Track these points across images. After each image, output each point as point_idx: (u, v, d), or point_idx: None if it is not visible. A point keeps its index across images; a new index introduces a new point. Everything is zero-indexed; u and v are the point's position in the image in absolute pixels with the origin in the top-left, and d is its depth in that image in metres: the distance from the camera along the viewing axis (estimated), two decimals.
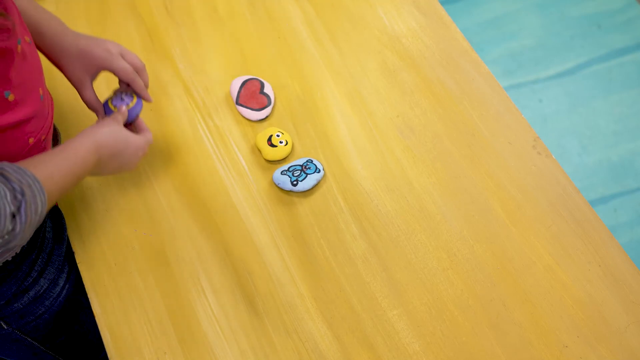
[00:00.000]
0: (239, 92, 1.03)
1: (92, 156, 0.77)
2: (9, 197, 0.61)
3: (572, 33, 2.22)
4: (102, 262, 0.90)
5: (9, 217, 0.61)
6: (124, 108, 0.86)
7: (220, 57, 1.09)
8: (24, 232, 0.64)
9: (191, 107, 1.03)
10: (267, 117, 1.03)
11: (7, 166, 0.64)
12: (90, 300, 0.88)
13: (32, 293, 0.86)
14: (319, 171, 0.96)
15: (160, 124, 1.02)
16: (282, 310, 0.87)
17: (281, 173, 0.95)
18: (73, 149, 0.75)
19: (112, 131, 0.81)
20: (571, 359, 0.85)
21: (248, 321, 0.86)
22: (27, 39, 0.72)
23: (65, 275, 0.91)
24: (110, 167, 0.81)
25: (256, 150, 1.00)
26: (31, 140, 0.74)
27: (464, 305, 0.88)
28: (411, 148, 1.01)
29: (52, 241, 0.88)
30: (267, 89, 1.04)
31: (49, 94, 0.82)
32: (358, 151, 1.00)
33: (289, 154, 0.99)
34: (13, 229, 0.62)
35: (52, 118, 0.80)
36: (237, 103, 1.02)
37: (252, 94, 1.03)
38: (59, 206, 0.93)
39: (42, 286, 0.87)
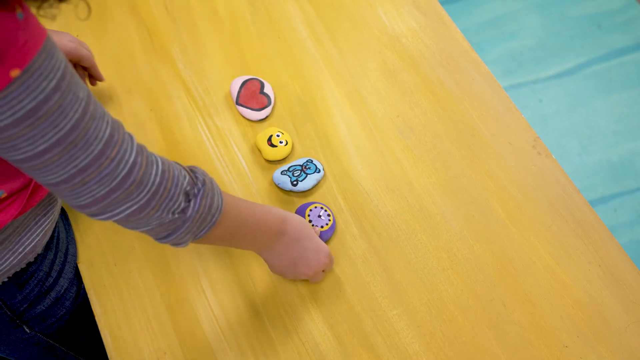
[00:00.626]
0: (239, 92, 1.03)
1: (278, 222, 0.78)
2: (187, 179, 0.64)
3: (572, 33, 2.22)
4: (102, 262, 0.90)
5: (183, 193, 0.63)
6: (317, 229, 0.89)
7: (220, 57, 1.09)
8: (194, 221, 0.64)
9: (191, 107, 1.03)
10: (267, 117, 1.03)
11: (197, 167, 0.68)
12: (90, 300, 0.88)
13: (53, 294, 0.86)
14: (319, 171, 0.96)
15: (160, 124, 1.02)
16: (282, 310, 0.87)
17: (281, 173, 0.95)
18: (262, 205, 0.79)
19: (304, 221, 0.82)
20: (571, 359, 0.85)
21: (248, 321, 0.86)
22: None
23: (80, 275, 0.91)
24: (289, 252, 0.80)
25: (256, 150, 1.00)
26: None
27: (464, 305, 0.88)
28: (411, 148, 1.01)
29: (66, 240, 0.88)
30: (267, 89, 1.04)
31: None
32: (358, 151, 1.00)
33: (289, 154, 0.99)
34: (184, 211, 0.63)
35: None
36: (237, 103, 1.02)
37: (252, 94, 1.03)
38: (63, 206, 0.93)
39: (62, 286, 0.87)
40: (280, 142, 0.97)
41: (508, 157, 1.00)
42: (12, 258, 0.77)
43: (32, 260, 0.80)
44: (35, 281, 0.82)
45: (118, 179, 0.58)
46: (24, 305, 0.83)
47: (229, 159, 0.99)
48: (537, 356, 0.85)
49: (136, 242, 0.92)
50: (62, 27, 1.10)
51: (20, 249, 0.77)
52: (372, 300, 0.88)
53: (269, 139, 0.98)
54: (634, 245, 1.82)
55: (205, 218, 0.66)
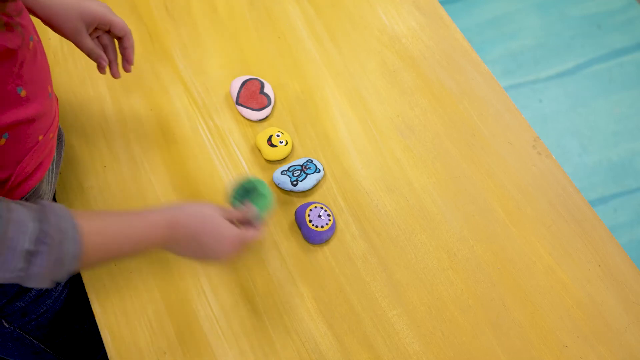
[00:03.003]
0: (239, 92, 1.03)
1: (162, 230, 0.72)
2: (30, 236, 0.60)
3: (572, 33, 2.23)
4: None
5: (22, 254, 0.60)
6: (252, 208, 0.81)
7: (220, 57, 1.09)
8: (42, 275, 0.62)
9: (191, 107, 1.03)
10: (267, 117, 1.03)
11: (55, 207, 0.63)
12: (90, 300, 0.88)
13: (34, 292, 0.86)
14: (319, 171, 0.96)
15: (160, 124, 1.02)
16: (282, 310, 0.87)
17: (281, 173, 0.95)
18: (143, 216, 0.73)
19: (198, 212, 0.76)
20: (571, 359, 0.85)
21: (248, 321, 0.86)
22: (36, 37, 0.73)
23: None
24: (188, 249, 0.75)
25: (256, 150, 1.00)
26: (40, 137, 0.74)
27: (464, 305, 0.88)
28: (411, 148, 1.01)
29: None
30: (267, 89, 1.04)
31: (54, 93, 0.82)
32: (358, 151, 1.00)
33: (289, 154, 0.99)
34: (27, 268, 0.60)
35: (58, 116, 0.80)
36: (237, 103, 1.02)
37: (252, 94, 1.03)
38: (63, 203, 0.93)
39: None
40: (280, 142, 0.97)
41: (508, 157, 1.00)
42: None
43: None
44: None
45: None
46: (3, 301, 0.83)
47: (229, 159, 0.99)
48: (537, 356, 0.85)
49: None
50: None
51: None
52: (372, 300, 0.88)
53: (269, 139, 0.98)
54: (634, 245, 1.82)
55: (55, 269, 0.63)
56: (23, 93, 0.68)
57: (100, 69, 0.87)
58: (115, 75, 0.89)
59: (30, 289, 0.85)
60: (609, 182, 1.95)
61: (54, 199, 0.90)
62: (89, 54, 0.86)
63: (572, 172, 1.93)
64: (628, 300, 0.89)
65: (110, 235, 0.69)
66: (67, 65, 1.06)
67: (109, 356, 0.84)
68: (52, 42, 1.09)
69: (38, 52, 0.71)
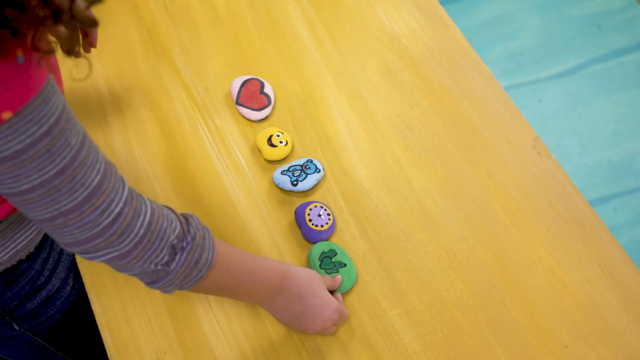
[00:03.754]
0: (239, 92, 1.03)
1: (278, 277, 0.75)
2: (177, 232, 0.63)
3: (572, 33, 2.23)
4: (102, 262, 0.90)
5: (168, 247, 0.62)
6: (339, 277, 0.85)
7: (220, 57, 1.09)
8: (177, 274, 0.64)
9: (191, 107, 1.03)
10: (267, 117, 1.03)
11: (195, 217, 0.66)
12: (90, 300, 0.88)
13: (44, 293, 0.86)
14: (319, 171, 0.96)
15: (160, 124, 1.02)
16: None
17: (281, 173, 0.95)
18: (264, 259, 0.76)
19: (309, 275, 0.79)
20: (571, 359, 0.85)
21: (248, 321, 0.86)
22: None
23: (74, 275, 0.91)
24: (292, 308, 0.78)
25: (256, 150, 1.00)
26: None
27: (464, 305, 0.88)
28: (411, 148, 1.01)
29: None
30: (267, 89, 1.04)
31: None
32: (358, 151, 1.00)
33: (289, 154, 0.99)
34: (168, 264, 0.63)
35: None
36: (237, 103, 1.02)
37: (252, 94, 1.03)
38: None
39: (54, 285, 0.87)
40: (280, 142, 0.97)
41: (508, 157, 1.00)
42: (2, 254, 0.77)
43: (23, 258, 0.80)
44: (27, 279, 0.82)
45: (100, 227, 0.58)
46: (14, 302, 0.83)
47: (229, 159, 0.99)
48: (537, 356, 0.85)
49: None
50: None
51: (12, 245, 0.77)
52: (372, 300, 0.88)
53: (269, 139, 0.98)
54: (634, 245, 1.82)
55: (190, 273, 0.65)
56: None
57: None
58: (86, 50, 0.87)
59: (40, 290, 0.85)
60: (609, 182, 1.95)
61: None
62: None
63: (572, 172, 1.93)
64: (628, 300, 0.89)
65: (236, 261, 0.71)
66: (67, 65, 1.06)
67: (109, 356, 0.84)
68: None
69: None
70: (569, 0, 2.29)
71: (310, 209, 0.91)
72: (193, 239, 0.64)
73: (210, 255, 0.66)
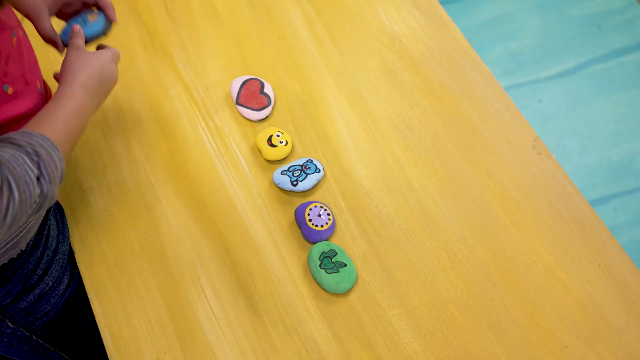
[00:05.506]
0: (239, 92, 1.03)
1: (82, 92, 0.76)
2: (27, 162, 0.63)
3: (572, 33, 2.23)
4: (102, 262, 0.90)
5: (35, 182, 0.63)
6: (77, 28, 0.84)
7: (220, 57, 1.09)
8: (51, 191, 0.66)
9: (191, 107, 1.03)
10: (267, 117, 1.03)
11: (12, 134, 0.65)
12: (90, 300, 0.88)
13: (37, 291, 0.86)
14: (319, 171, 0.96)
15: (160, 124, 1.02)
16: (282, 310, 0.87)
17: (281, 173, 0.95)
18: (62, 96, 0.75)
19: (84, 62, 0.79)
20: (571, 359, 0.85)
21: (248, 321, 0.86)
22: (21, 32, 0.72)
23: (69, 274, 0.91)
24: (102, 90, 0.80)
25: (256, 150, 1.00)
26: None
27: (464, 305, 0.88)
28: (411, 148, 1.01)
29: (57, 239, 0.88)
30: (267, 89, 1.04)
31: (48, 87, 0.81)
32: (358, 151, 1.00)
33: (289, 154, 0.99)
34: (41, 192, 0.64)
35: None
36: (237, 103, 1.02)
37: (252, 94, 1.03)
38: (61, 204, 0.93)
39: (47, 284, 0.87)
40: (280, 142, 0.97)
41: (508, 157, 1.00)
42: None
43: (14, 256, 0.80)
44: (19, 278, 0.82)
45: None
46: (7, 300, 0.83)
47: (229, 159, 0.99)
48: (537, 356, 0.85)
49: (136, 242, 0.92)
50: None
51: (2, 244, 0.77)
52: (372, 300, 0.88)
53: (269, 139, 0.98)
54: (634, 245, 1.82)
55: (55, 177, 0.67)
56: (10, 90, 0.68)
57: (59, 49, 0.87)
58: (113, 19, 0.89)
59: (33, 289, 0.85)
60: (609, 182, 1.95)
61: None
62: (44, 39, 0.85)
63: (572, 172, 1.93)
64: (628, 300, 0.89)
65: (61, 127, 0.71)
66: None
67: (109, 356, 0.84)
68: None
69: (24, 47, 0.71)
70: (569, 0, 2.30)
71: (310, 209, 0.91)
72: (38, 155, 0.64)
73: (57, 152, 0.67)
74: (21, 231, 0.79)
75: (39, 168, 0.64)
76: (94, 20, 0.87)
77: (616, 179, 1.95)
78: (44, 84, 0.80)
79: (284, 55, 1.10)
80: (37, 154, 0.64)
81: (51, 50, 1.08)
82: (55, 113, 0.72)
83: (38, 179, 0.64)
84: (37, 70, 0.77)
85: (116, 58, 0.84)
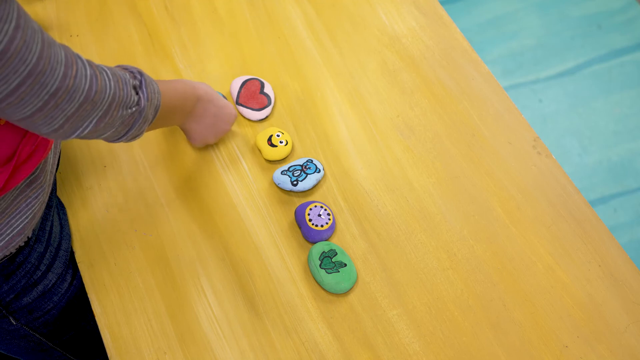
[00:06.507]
0: (239, 92, 1.03)
1: (192, 90, 0.86)
2: (129, 75, 0.71)
3: (572, 33, 2.23)
4: (102, 262, 0.90)
5: (132, 89, 0.70)
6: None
7: (220, 57, 1.09)
8: (147, 109, 0.72)
9: None
10: (267, 117, 1.03)
11: (125, 65, 0.74)
12: (90, 300, 0.88)
13: (40, 287, 0.86)
14: (319, 171, 0.96)
15: None
16: (282, 310, 0.87)
17: (281, 173, 0.95)
18: (175, 80, 0.85)
19: (207, 84, 0.91)
20: (571, 359, 0.85)
21: (248, 321, 0.86)
22: None
23: (72, 271, 0.91)
24: (209, 112, 0.89)
25: (256, 150, 1.00)
26: None
27: (464, 305, 0.88)
28: (411, 148, 1.01)
29: (60, 235, 0.88)
30: (267, 89, 1.04)
31: None
32: (358, 151, 1.00)
33: (289, 154, 0.99)
34: (138, 102, 0.71)
35: None
36: (237, 103, 1.02)
37: (252, 94, 1.03)
38: (62, 202, 0.93)
39: (51, 280, 0.87)
40: (280, 142, 0.97)
41: (508, 157, 1.00)
42: None
43: (22, 244, 0.80)
44: (22, 273, 0.82)
45: (85, 93, 0.63)
46: (10, 296, 0.83)
47: (229, 159, 0.99)
48: (537, 356, 0.85)
49: (136, 241, 0.92)
50: (62, 27, 1.10)
51: (8, 231, 0.77)
52: (372, 300, 0.88)
53: (269, 139, 0.98)
54: (634, 245, 1.82)
55: (153, 103, 0.74)
56: None
57: None
58: None
59: (36, 285, 0.85)
60: (609, 182, 1.95)
61: (54, 195, 0.90)
62: None
63: (572, 172, 1.93)
64: (628, 300, 0.89)
65: (165, 87, 0.80)
66: None
67: (109, 356, 0.84)
68: None
69: None
70: (569, 0, 2.30)
71: (310, 209, 0.91)
72: (141, 75, 0.73)
73: (156, 85, 0.76)
74: (27, 216, 0.78)
75: (140, 83, 0.72)
76: None
77: (616, 179, 1.95)
78: None
79: (284, 55, 1.10)
80: (141, 73, 0.73)
81: None
82: (166, 81, 0.82)
83: (136, 91, 0.71)
84: None
85: (233, 120, 0.95)
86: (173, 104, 0.82)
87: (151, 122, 0.76)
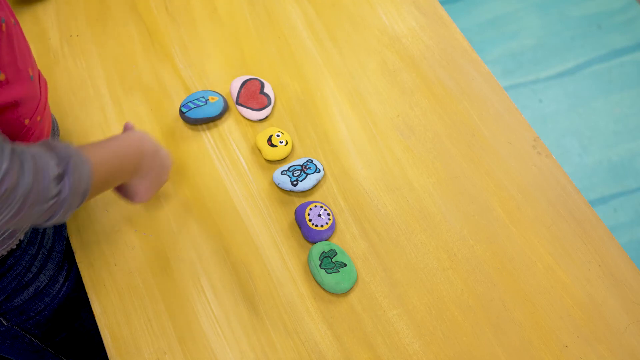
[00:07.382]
0: (239, 92, 1.03)
1: (136, 143, 0.79)
2: (53, 162, 0.63)
3: (572, 33, 2.23)
4: (102, 262, 0.90)
5: (53, 180, 0.62)
6: (130, 125, 0.88)
7: (220, 57, 1.09)
8: (70, 199, 0.65)
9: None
10: (267, 117, 1.03)
11: (51, 141, 0.66)
12: (90, 300, 0.88)
13: (31, 289, 0.86)
14: (319, 171, 0.96)
15: (160, 124, 1.02)
16: (282, 310, 0.87)
17: (281, 173, 0.95)
18: (115, 136, 0.79)
19: (148, 133, 0.85)
20: (571, 359, 0.85)
21: (248, 321, 0.86)
22: (12, 20, 0.72)
23: (65, 273, 0.91)
24: (154, 165, 0.83)
25: (256, 150, 1.00)
26: (27, 121, 0.74)
27: (464, 305, 0.88)
28: (411, 148, 1.01)
29: (53, 237, 0.88)
30: (267, 89, 1.04)
31: (42, 75, 0.81)
32: (358, 151, 1.00)
33: (289, 154, 0.99)
34: (59, 194, 0.63)
35: (46, 99, 0.79)
36: (237, 103, 1.02)
37: (252, 94, 1.03)
38: None
39: (42, 282, 0.87)
40: (280, 142, 0.97)
41: (508, 157, 1.00)
42: None
43: (14, 247, 0.80)
44: (14, 274, 0.82)
45: None
46: (1, 297, 0.83)
47: (229, 159, 0.99)
48: (537, 356, 0.85)
49: (136, 242, 0.92)
50: (62, 27, 1.11)
51: (0, 234, 0.77)
52: (372, 300, 0.88)
53: (269, 139, 0.98)
54: (634, 245, 1.82)
55: (78, 191, 0.66)
56: (2, 76, 0.68)
57: None
58: None
59: (27, 286, 0.85)
60: (609, 182, 1.95)
61: None
62: None
63: (572, 172, 1.93)
64: (628, 300, 0.89)
65: (103, 158, 0.73)
66: (67, 65, 1.06)
67: (109, 356, 0.84)
68: (52, 42, 1.09)
69: (14, 34, 0.71)
70: (569, 0, 2.30)
71: (310, 209, 0.91)
72: (69, 159, 0.65)
73: (87, 166, 0.67)
74: None
75: (64, 170, 0.64)
76: (214, 101, 0.99)
77: (616, 179, 1.95)
78: (39, 73, 0.80)
79: (284, 55, 1.10)
80: (68, 158, 0.64)
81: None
82: (102, 143, 0.75)
83: (58, 180, 0.63)
84: (30, 58, 0.77)
85: (170, 164, 0.88)
86: (114, 170, 0.76)
87: (79, 205, 0.69)
